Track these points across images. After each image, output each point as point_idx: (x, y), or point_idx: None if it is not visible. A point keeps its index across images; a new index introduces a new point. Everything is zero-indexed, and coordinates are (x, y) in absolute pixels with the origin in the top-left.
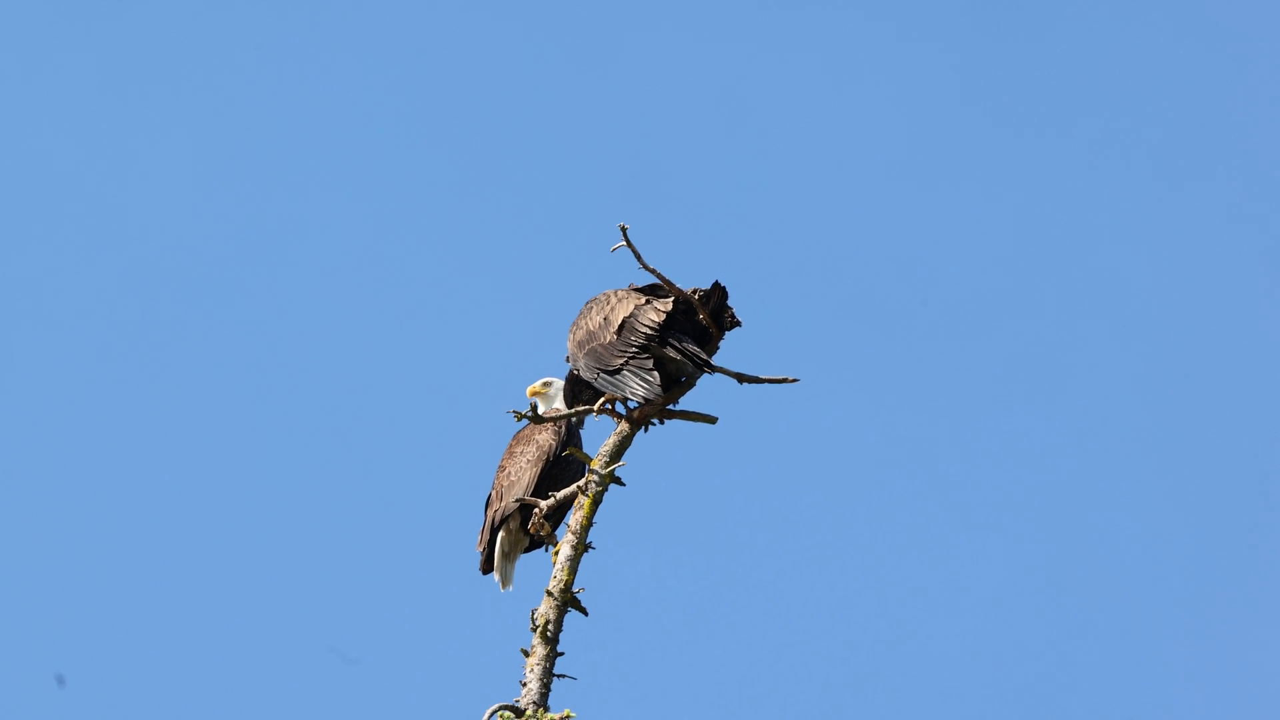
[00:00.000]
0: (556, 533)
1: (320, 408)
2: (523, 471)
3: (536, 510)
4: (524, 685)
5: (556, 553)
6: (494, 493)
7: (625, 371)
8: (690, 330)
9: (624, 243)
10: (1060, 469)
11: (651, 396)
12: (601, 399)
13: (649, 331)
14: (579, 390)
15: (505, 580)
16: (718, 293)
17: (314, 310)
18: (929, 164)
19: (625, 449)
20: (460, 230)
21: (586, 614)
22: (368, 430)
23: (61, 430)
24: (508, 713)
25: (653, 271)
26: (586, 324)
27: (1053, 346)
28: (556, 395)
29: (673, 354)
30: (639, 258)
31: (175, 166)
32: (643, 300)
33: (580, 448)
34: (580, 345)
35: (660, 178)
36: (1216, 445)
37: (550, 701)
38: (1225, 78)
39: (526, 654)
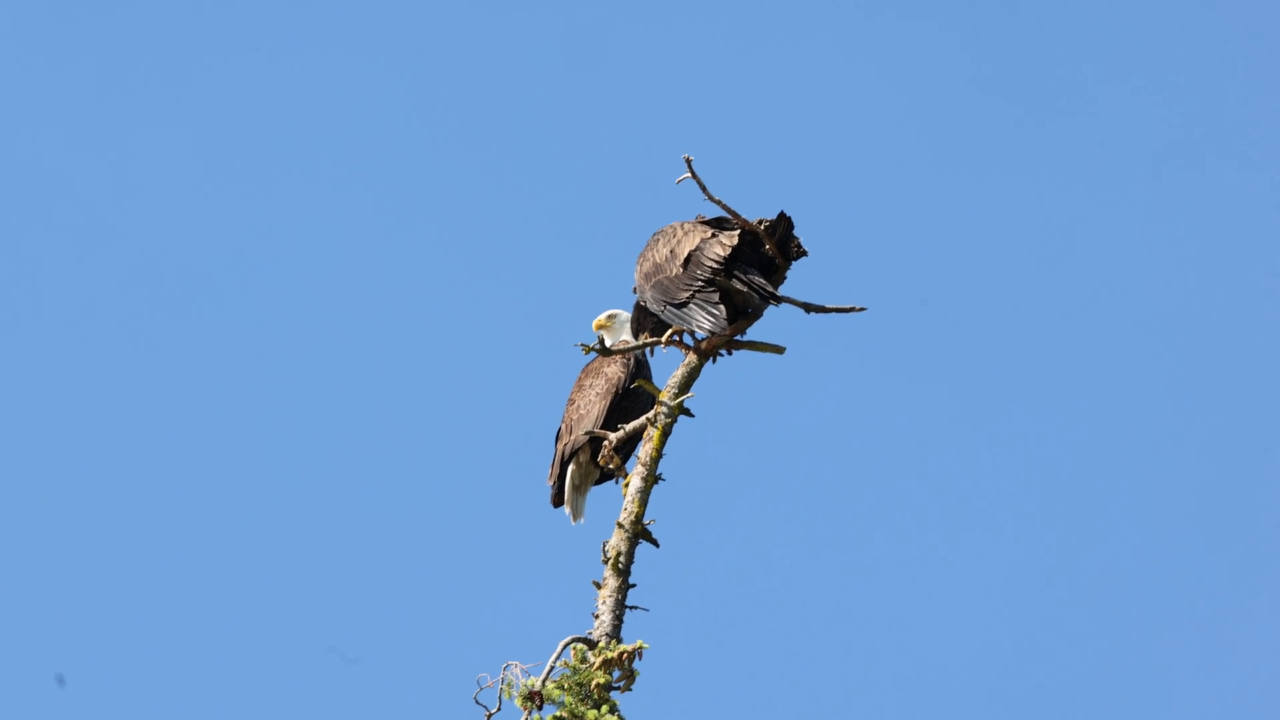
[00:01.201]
0: (627, 465)
1: (369, 381)
2: (592, 404)
3: (606, 443)
4: (596, 617)
5: (627, 485)
6: (564, 426)
7: (692, 305)
8: (756, 261)
9: (689, 174)
10: (1060, 469)
11: (717, 330)
12: (669, 330)
13: (715, 265)
14: (644, 320)
15: (576, 513)
16: (783, 223)
17: (315, 312)
18: (927, 164)
19: (694, 380)
20: (462, 229)
21: (658, 545)
22: (430, 385)
23: (62, 430)
24: (581, 645)
25: (718, 203)
26: (653, 256)
27: (1053, 347)
28: (622, 327)
29: (739, 286)
30: (704, 189)
31: (175, 166)
32: (709, 233)
33: (649, 379)
34: (647, 277)
35: (659, 175)
36: (1220, 445)
37: (623, 633)
38: (1226, 77)
39: (598, 586)
